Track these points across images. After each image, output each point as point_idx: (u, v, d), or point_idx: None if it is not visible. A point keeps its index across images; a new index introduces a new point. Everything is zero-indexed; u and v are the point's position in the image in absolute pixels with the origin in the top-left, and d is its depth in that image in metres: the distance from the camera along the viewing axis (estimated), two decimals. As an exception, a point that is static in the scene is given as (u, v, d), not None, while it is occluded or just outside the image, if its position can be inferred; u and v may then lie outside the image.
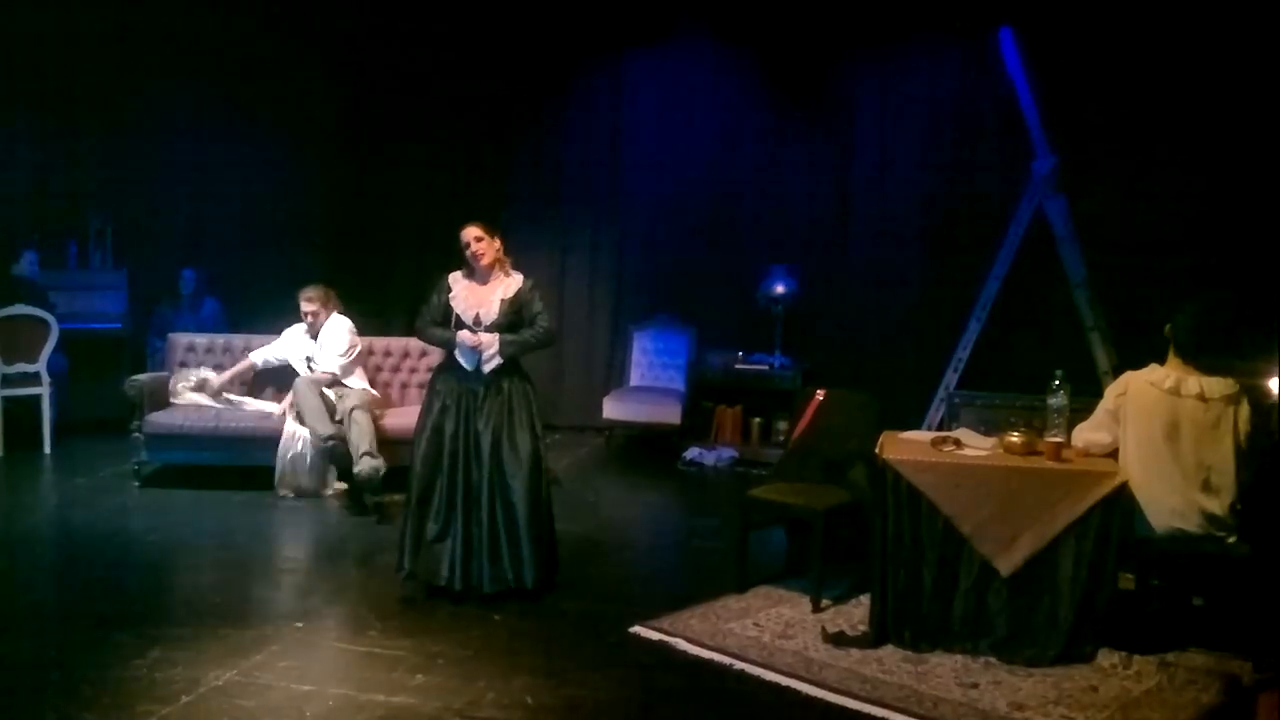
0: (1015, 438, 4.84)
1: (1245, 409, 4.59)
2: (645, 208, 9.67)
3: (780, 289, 8.68)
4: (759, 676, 4.41)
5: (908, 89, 8.76)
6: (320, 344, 7.47)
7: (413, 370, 7.95)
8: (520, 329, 5.34)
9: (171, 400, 7.56)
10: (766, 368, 8.69)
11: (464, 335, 5.29)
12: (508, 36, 9.68)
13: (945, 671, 4.45)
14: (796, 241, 9.07)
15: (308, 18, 9.69)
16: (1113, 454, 4.73)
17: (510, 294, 5.37)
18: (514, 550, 5.16)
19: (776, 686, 4.33)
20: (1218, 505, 4.54)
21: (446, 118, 9.98)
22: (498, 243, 5.37)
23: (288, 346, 7.69)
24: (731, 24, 9.10)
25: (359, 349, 7.56)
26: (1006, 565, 4.58)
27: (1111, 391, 4.81)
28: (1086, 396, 5.11)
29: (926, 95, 8.68)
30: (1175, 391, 4.59)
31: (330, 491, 7.19)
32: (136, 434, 7.31)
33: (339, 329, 7.49)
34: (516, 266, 5.54)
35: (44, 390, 8.31)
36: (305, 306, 7.49)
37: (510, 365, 5.33)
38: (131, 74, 9.50)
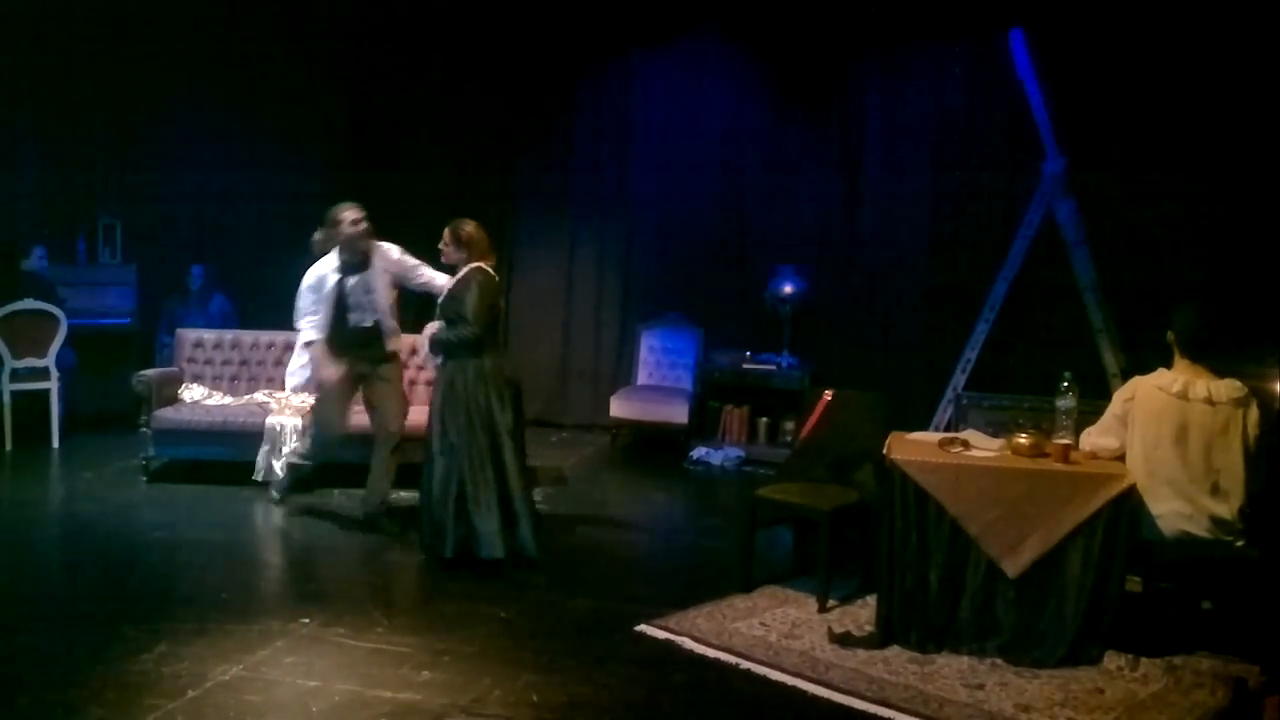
0: (1023, 439, 4.83)
1: (1254, 412, 4.57)
2: (653, 207, 9.66)
3: (788, 289, 8.66)
4: (765, 676, 4.42)
5: (917, 88, 8.72)
6: (400, 264, 6.30)
7: (420, 368, 7.92)
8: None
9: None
10: (774, 367, 8.68)
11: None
12: (516, 35, 9.68)
13: (951, 673, 4.45)
14: (805, 241, 9.04)
15: (315, 12, 9.70)
16: (1120, 458, 4.72)
17: (450, 287, 5.73)
18: (432, 526, 5.63)
19: (782, 686, 4.33)
20: (1226, 509, 4.53)
21: (454, 116, 9.98)
22: (459, 253, 5.70)
23: (321, 298, 6.24)
24: (740, 24, 9.08)
25: None
26: (1013, 567, 4.58)
27: (1119, 396, 4.79)
28: (1095, 399, 5.11)
29: (935, 95, 8.64)
30: (1184, 395, 4.57)
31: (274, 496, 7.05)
32: (144, 429, 7.33)
33: (393, 249, 6.36)
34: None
35: (53, 385, 8.33)
36: (354, 214, 6.15)
37: (445, 357, 5.66)
38: (141, 71, 9.51)
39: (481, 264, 5.65)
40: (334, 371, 6.19)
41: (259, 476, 7.12)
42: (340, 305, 6.20)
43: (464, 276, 5.62)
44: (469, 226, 5.70)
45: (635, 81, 9.71)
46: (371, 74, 10.08)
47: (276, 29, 9.61)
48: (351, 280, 6.20)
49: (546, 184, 9.96)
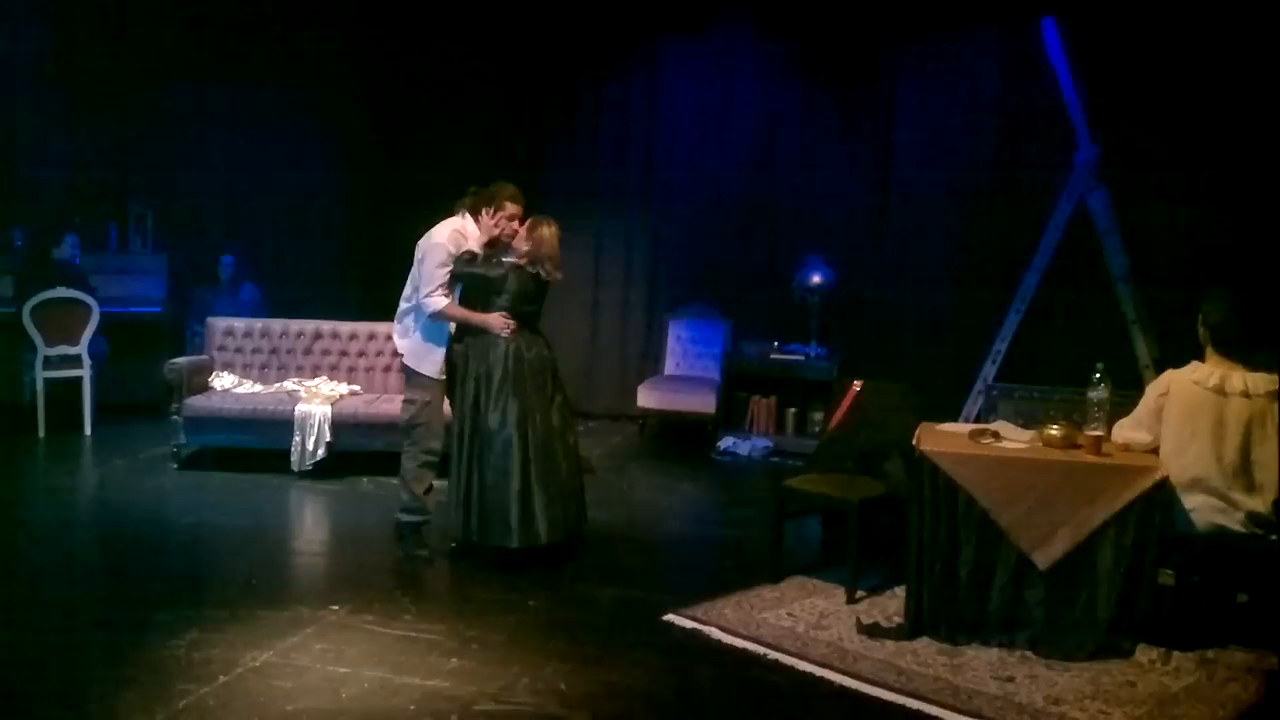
0: (1054, 431, 4.79)
1: (1290, 405, 4.52)
2: (682, 196, 9.62)
3: (817, 279, 8.61)
4: (793, 666, 4.41)
5: (949, 78, 8.65)
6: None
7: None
8: None
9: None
10: (802, 358, 8.65)
11: None
12: (543, 24, 9.66)
13: (981, 664, 4.43)
14: (834, 231, 8.99)
15: (341, 3, 9.74)
16: (1153, 452, 4.67)
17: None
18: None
19: (810, 677, 4.32)
20: (1261, 503, 4.47)
21: (479, 105, 9.97)
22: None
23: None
24: (771, 12, 9.03)
25: None
26: (1044, 559, 4.55)
27: (1153, 390, 4.73)
28: (1127, 390, 5.06)
29: (967, 83, 8.57)
30: (1220, 389, 4.52)
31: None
32: (175, 416, 7.39)
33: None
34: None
35: (85, 372, 8.41)
36: (517, 209, 5.77)
37: None
38: (172, 62, 9.57)
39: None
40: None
41: (297, 468, 7.20)
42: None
43: None
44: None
45: (664, 69, 9.66)
46: (398, 65, 10.07)
47: (306, 19, 9.64)
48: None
49: (573, 173, 9.92)
